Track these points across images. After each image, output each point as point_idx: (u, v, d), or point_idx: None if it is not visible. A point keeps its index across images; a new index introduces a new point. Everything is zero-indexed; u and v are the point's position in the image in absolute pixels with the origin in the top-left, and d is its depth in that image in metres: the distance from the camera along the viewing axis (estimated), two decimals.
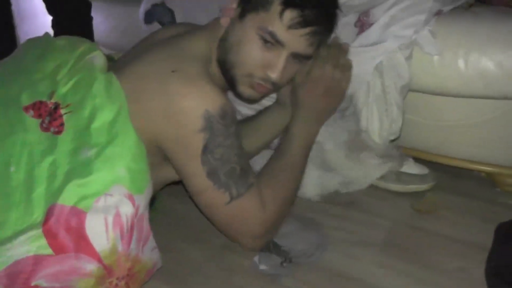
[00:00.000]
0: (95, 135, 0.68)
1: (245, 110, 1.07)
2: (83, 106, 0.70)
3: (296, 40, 0.76)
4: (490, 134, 0.98)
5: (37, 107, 0.70)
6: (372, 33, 0.92)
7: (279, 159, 0.86)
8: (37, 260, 0.61)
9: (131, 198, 0.66)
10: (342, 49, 0.91)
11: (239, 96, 0.84)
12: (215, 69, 0.83)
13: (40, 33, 0.86)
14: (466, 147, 1.02)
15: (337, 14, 0.81)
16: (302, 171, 0.88)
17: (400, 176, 1.03)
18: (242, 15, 0.79)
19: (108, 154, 0.66)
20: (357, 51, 0.92)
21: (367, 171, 1.01)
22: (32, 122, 0.69)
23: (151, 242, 0.72)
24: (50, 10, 1.59)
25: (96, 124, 0.69)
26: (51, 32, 1.48)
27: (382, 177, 1.03)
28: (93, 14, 1.63)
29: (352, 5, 0.94)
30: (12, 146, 0.67)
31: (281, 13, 0.74)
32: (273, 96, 1.00)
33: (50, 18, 1.61)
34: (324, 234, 0.88)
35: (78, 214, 0.63)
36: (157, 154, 0.76)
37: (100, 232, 0.64)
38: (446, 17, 0.92)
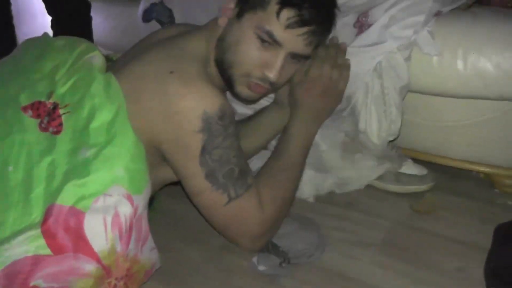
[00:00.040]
0: (94, 135, 0.68)
1: (243, 109, 1.07)
2: (81, 106, 0.70)
3: (294, 39, 0.76)
4: (488, 135, 0.98)
5: (35, 107, 0.70)
6: (371, 34, 0.92)
7: (277, 159, 0.86)
8: (36, 260, 0.61)
9: (129, 198, 0.66)
10: (340, 49, 0.91)
11: (236, 96, 0.84)
12: (213, 69, 0.83)
13: (40, 33, 0.86)
14: (465, 147, 1.02)
15: (335, 13, 0.81)
16: (300, 171, 0.88)
17: (399, 177, 1.03)
18: (239, 14, 0.78)
19: (106, 154, 0.66)
20: (355, 52, 0.92)
21: (363, 173, 1.01)
22: (30, 122, 0.69)
23: (150, 243, 0.72)
24: (49, 10, 1.60)
25: (94, 124, 0.68)
26: (50, 32, 1.48)
27: (381, 178, 1.03)
28: (92, 14, 1.63)
29: (352, 5, 0.94)
30: (11, 146, 0.67)
31: (278, 13, 0.74)
32: (271, 96, 1.00)
33: (49, 18, 1.61)
34: (323, 235, 0.88)
35: (77, 214, 0.63)
36: (156, 154, 0.76)
37: (99, 232, 0.64)
38: (445, 18, 0.92)
